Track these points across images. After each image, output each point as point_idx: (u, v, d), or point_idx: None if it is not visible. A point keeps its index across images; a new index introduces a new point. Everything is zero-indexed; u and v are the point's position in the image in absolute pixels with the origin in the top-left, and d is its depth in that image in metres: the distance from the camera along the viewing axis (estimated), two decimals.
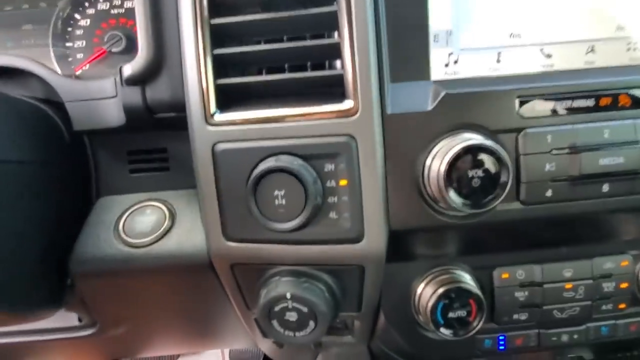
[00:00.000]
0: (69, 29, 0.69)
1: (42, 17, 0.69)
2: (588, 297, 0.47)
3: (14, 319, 0.50)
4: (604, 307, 0.48)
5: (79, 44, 0.69)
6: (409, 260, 0.48)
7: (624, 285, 0.48)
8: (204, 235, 0.50)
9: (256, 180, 0.37)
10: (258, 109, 0.40)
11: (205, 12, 0.39)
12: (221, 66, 0.41)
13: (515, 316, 0.48)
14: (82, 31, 0.69)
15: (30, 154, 0.47)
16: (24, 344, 0.64)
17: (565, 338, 0.49)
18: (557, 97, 0.39)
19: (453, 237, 0.46)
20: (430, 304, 0.45)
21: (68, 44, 0.69)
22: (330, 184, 0.39)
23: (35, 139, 0.49)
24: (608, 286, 0.48)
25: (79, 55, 0.69)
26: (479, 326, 0.45)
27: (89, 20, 0.68)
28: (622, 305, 0.48)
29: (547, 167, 0.39)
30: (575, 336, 0.49)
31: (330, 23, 0.39)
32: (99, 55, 0.68)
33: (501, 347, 0.50)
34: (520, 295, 0.48)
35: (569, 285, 0.47)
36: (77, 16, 0.69)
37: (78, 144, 0.55)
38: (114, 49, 0.67)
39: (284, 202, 0.37)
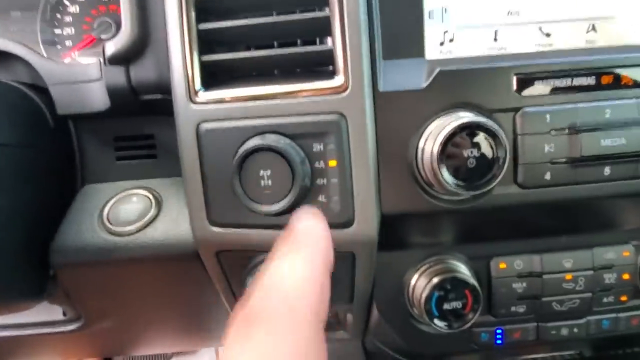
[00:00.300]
0: (58, 15, 0.67)
1: (30, 3, 0.67)
2: (588, 288, 0.46)
3: None
4: (605, 300, 0.46)
5: (68, 31, 0.67)
6: (402, 249, 0.46)
7: (625, 276, 0.46)
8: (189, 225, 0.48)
9: (241, 159, 0.35)
10: (244, 87, 0.38)
11: None
12: (206, 43, 0.39)
13: (513, 308, 0.46)
14: (71, 18, 0.67)
15: (12, 137, 0.45)
16: (8, 338, 0.62)
17: (565, 332, 0.47)
18: (556, 75, 0.37)
19: (448, 224, 0.45)
20: (424, 295, 0.44)
21: (57, 31, 0.67)
22: (319, 165, 0.37)
23: (18, 121, 0.47)
24: (609, 277, 0.46)
25: (68, 43, 0.67)
26: (474, 318, 0.43)
27: (78, 7, 0.67)
28: (624, 298, 0.46)
29: (546, 148, 0.37)
30: (576, 330, 0.47)
31: None
32: (88, 43, 0.66)
33: (498, 341, 0.48)
34: (519, 286, 0.46)
35: (569, 276, 0.45)
36: (66, 2, 0.67)
37: (63, 130, 0.53)
38: (104, 36, 0.65)
39: (270, 183, 0.36)
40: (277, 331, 0.19)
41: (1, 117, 0.45)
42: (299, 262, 0.23)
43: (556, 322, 0.47)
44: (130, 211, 0.51)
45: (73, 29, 0.67)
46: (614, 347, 0.54)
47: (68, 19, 0.67)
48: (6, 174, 0.43)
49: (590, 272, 0.45)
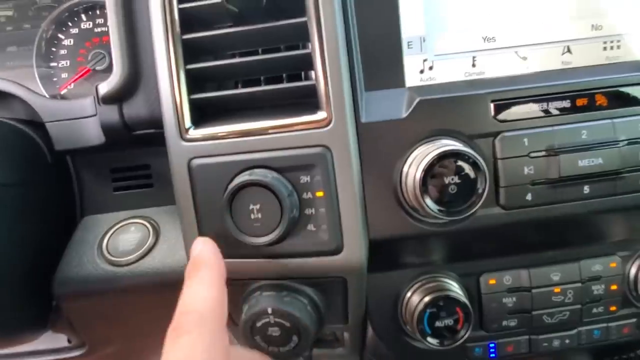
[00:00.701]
0: (53, 49, 0.69)
1: (26, 38, 0.69)
2: (577, 300, 0.46)
3: None
4: (594, 310, 0.47)
5: (63, 63, 0.69)
6: (394, 269, 0.47)
7: (613, 287, 0.47)
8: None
9: (231, 195, 0.37)
10: (232, 124, 0.39)
11: (177, 28, 0.39)
12: (197, 81, 0.41)
13: (505, 322, 0.47)
14: (66, 51, 0.69)
15: (12, 176, 0.47)
16: None
17: (556, 343, 0.48)
18: (532, 99, 0.39)
19: (437, 244, 0.46)
20: (416, 313, 0.45)
21: (52, 64, 0.69)
22: (307, 195, 0.38)
23: (17, 160, 0.49)
24: (597, 289, 0.47)
25: (64, 75, 0.69)
26: (466, 335, 0.44)
27: (72, 40, 0.69)
28: (613, 308, 0.47)
29: (526, 170, 0.39)
30: (567, 341, 0.48)
31: (302, 34, 0.39)
32: (83, 74, 0.68)
33: (492, 355, 0.49)
34: (509, 301, 0.47)
35: (557, 289, 0.46)
36: (60, 36, 0.69)
37: (61, 164, 0.55)
38: (98, 67, 0.67)
39: (259, 216, 0.37)
40: (194, 337, 0.28)
41: (2, 157, 0.46)
42: (200, 285, 0.32)
43: (548, 334, 0.48)
44: (128, 241, 0.52)
45: (68, 62, 0.69)
46: (614, 354, 0.55)
47: (63, 51, 0.69)
48: (6, 212, 0.45)
49: (579, 285, 0.46)
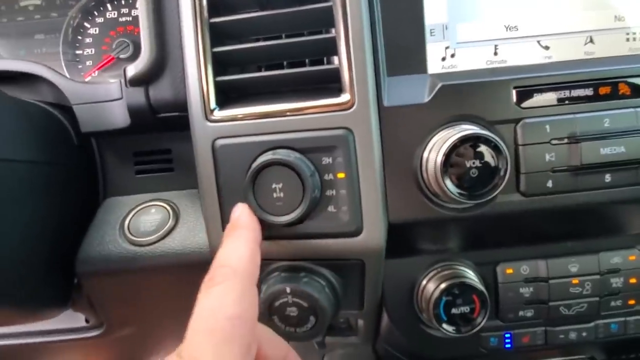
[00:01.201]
0: (79, 37, 0.71)
1: (53, 26, 0.71)
2: (595, 293, 0.46)
3: (21, 318, 0.51)
4: (612, 304, 0.47)
5: (88, 51, 0.71)
6: (411, 256, 0.48)
7: (632, 280, 0.46)
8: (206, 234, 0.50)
9: (254, 173, 0.38)
10: (256, 105, 0.40)
11: (205, 12, 0.40)
12: (221, 64, 0.42)
13: (521, 313, 0.47)
14: (91, 39, 0.71)
15: (40, 155, 0.48)
16: (31, 345, 0.64)
17: (573, 336, 0.48)
18: (555, 87, 0.39)
19: (454, 231, 0.46)
20: (432, 300, 0.45)
21: (78, 52, 0.71)
22: (328, 177, 0.39)
23: (45, 140, 0.50)
24: (616, 282, 0.46)
25: (88, 62, 0.71)
26: (482, 323, 0.45)
27: (97, 29, 0.71)
28: (632, 302, 0.47)
29: (547, 157, 0.39)
30: (584, 334, 0.48)
31: (327, 19, 0.39)
32: (107, 62, 0.70)
33: (507, 345, 0.49)
34: (526, 291, 0.47)
35: (575, 281, 0.46)
36: (86, 25, 0.71)
37: (86, 147, 0.57)
38: (122, 55, 0.69)
39: (282, 195, 0.38)
40: (225, 288, 0.31)
41: (31, 136, 0.48)
42: (235, 243, 0.35)
43: (564, 326, 0.48)
44: (149, 222, 0.53)
45: (93, 50, 0.71)
46: (626, 351, 0.54)
47: (88, 40, 0.71)
48: (34, 190, 0.46)
49: (597, 277, 0.46)
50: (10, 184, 0.43)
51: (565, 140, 0.38)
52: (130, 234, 0.52)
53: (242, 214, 0.38)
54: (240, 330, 0.29)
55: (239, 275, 0.32)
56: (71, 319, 0.63)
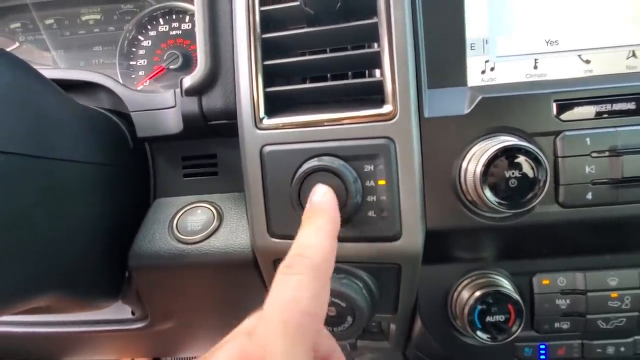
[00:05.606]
0: (133, 49, 0.77)
1: (110, 39, 0.77)
2: (635, 307, 0.46)
3: (79, 307, 0.56)
4: None
5: (141, 62, 0.76)
6: (446, 263, 0.49)
7: None
8: (248, 235, 0.53)
9: (301, 179, 0.40)
10: (302, 115, 0.43)
11: (258, 28, 0.44)
12: (269, 76, 0.45)
13: (557, 325, 0.47)
14: (144, 51, 0.77)
15: (101, 157, 0.53)
16: (78, 334, 0.69)
17: (611, 350, 0.47)
18: (596, 100, 0.40)
19: (491, 240, 0.47)
20: (467, 307, 0.46)
21: (132, 62, 0.77)
22: (370, 183, 0.41)
23: (106, 143, 0.55)
24: None
25: (141, 72, 0.76)
26: (517, 332, 0.45)
27: (150, 41, 0.76)
28: None
29: (587, 169, 0.39)
30: (622, 349, 0.47)
31: (371, 34, 0.42)
32: (158, 72, 0.75)
33: (542, 357, 0.49)
34: (562, 303, 0.47)
35: (614, 295, 0.46)
36: (140, 37, 0.77)
37: (140, 150, 0.61)
38: (172, 66, 0.74)
39: None
40: (304, 280, 0.29)
41: (94, 140, 0.52)
42: (317, 232, 0.33)
43: (602, 340, 0.48)
44: (195, 222, 0.57)
45: (145, 60, 0.76)
46: None
47: (141, 51, 0.76)
48: (96, 189, 0.51)
49: (637, 291, 0.46)
50: (77, 184, 0.47)
51: (607, 153, 0.39)
52: (179, 232, 0.56)
53: (324, 198, 0.36)
54: (312, 327, 0.28)
55: (317, 270, 0.30)
56: (119, 311, 0.67)
